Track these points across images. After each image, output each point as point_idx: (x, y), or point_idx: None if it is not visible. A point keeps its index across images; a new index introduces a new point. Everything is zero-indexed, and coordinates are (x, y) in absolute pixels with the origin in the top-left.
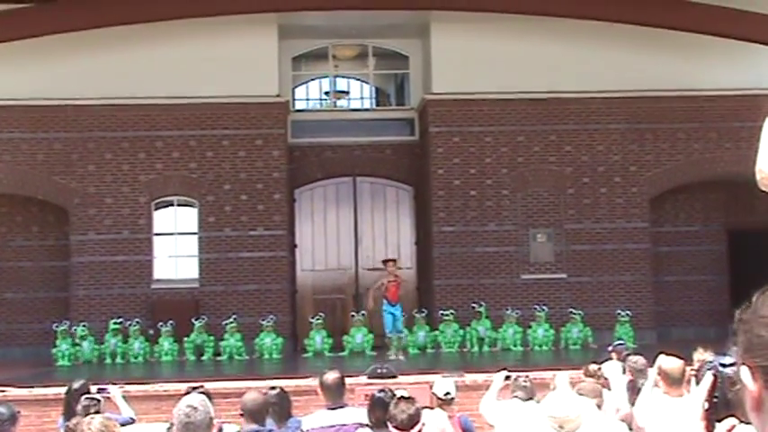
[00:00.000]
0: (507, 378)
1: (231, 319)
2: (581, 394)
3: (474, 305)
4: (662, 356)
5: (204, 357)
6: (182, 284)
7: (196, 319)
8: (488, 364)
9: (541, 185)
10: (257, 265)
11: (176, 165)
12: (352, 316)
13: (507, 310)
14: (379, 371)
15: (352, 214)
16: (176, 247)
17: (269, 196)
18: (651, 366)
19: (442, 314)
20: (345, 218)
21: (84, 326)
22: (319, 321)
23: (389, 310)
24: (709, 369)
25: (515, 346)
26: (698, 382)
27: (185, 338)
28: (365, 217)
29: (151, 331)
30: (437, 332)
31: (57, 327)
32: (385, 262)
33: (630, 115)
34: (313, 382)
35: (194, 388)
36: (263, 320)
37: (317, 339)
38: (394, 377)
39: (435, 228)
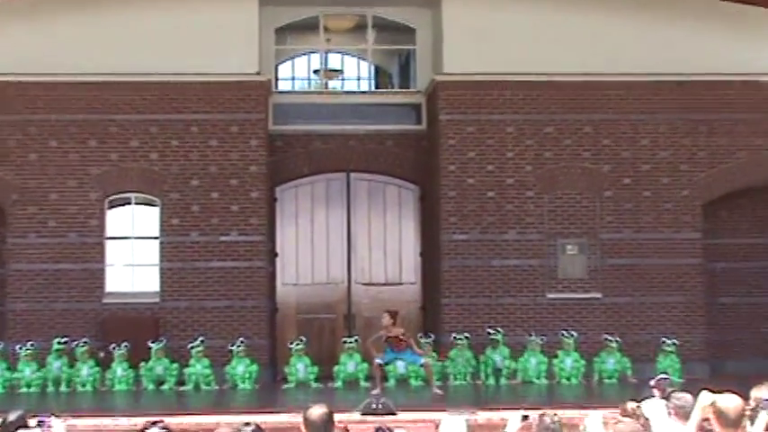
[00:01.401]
0: (526, 418)
1: (198, 342)
2: None
3: (490, 329)
4: (706, 393)
5: (165, 387)
6: (139, 299)
7: (156, 341)
8: (506, 400)
9: (573, 186)
10: (230, 278)
11: (134, 155)
12: (344, 341)
13: (530, 335)
14: (374, 406)
15: (344, 218)
16: (133, 254)
17: (245, 194)
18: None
19: (453, 340)
20: (337, 222)
21: (23, 347)
22: (303, 346)
23: (394, 356)
24: (764, 408)
25: (539, 378)
26: (752, 423)
27: (143, 364)
28: (361, 221)
29: (102, 354)
30: (446, 361)
31: None
32: (392, 315)
33: (682, 103)
34: (295, 419)
35: (153, 423)
36: (236, 344)
37: (301, 367)
38: (392, 414)
39: (445, 235)
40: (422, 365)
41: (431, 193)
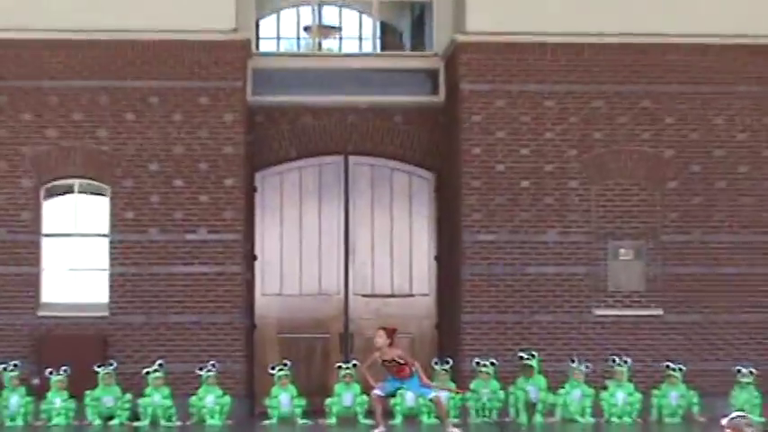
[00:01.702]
0: None
1: (156, 366)
2: None
3: (522, 354)
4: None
5: (114, 422)
6: (83, 312)
7: (103, 365)
8: None
9: (628, 175)
10: (197, 286)
11: (78, 131)
12: (339, 366)
13: (572, 361)
14: None
15: (341, 212)
16: (76, 256)
17: (217, 182)
18: None
19: (476, 367)
20: (332, 217)
21: None
22: (288, 372)
23: (398, 385)
24: None
25: (583, 416)
26: None
27: (87, 393)
28: (362, 217)
29: (36, 381)
30: (466, 394)
31: None
32: (388, 333)
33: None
34: None
35: None
36: (204, 369)
37: (284, 399)
38: None
39: (467, 235)
40: (431, 400)
41: (450, 183)
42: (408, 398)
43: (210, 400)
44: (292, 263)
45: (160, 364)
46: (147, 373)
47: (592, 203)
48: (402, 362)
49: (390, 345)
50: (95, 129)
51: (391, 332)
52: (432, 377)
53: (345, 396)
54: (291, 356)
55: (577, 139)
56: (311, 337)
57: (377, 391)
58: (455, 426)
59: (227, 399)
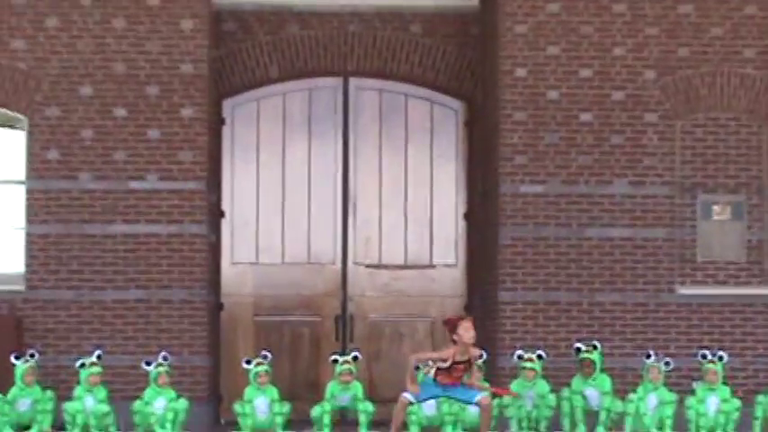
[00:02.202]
0: None
1: (91, 359)
2: None
3: (579, 346)
4: None
5: None
6: None
7: (19, 357)
8: None
9: (726, 107)
10: (144, 251)
11: None
12: (334, 360)
13: (647, 356)
14: None
15: (338, 153)
16: None
17: (171, 112)
18: None
19: (518, 361)
20: (326, 160)
21: None
22: (266, 368)
23: (438, 393)
24: None
25: (662, 429)
26: None
27: None
28: (366, 159)
29: None
30: (505, 397)
31: None
32: (452, 324)
33: None
34: None
35: None
36: (153, 363)
37: (261, 404)
38: None
39: (507, 186)
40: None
41: (484, 115)
42: (427, 406)
43: (161, 404)
44: (272, 221)
45: (98, 355)
46: (82, 366)
47: (676, 144)
48: (471, 357)
49: (474, 343)
50: (9, 40)
51: (461, 321)
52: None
53: (341, 399)
54: (271, 346)
55: (656, 58)
56: (298, 320)
57: (408, 396)
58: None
59: (184, 403)
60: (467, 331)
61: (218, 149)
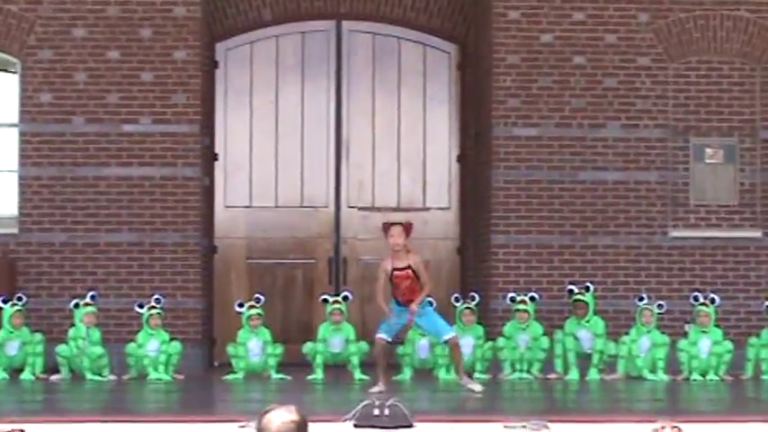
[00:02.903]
0: None
1: (86, 300)
2: None
3: (573, 288)
4: None
5: (25, 375)
6: None
7: (6, 301)
8: (599, 407)
9: (719, 50)
10: (137, 194)
11: None
12: (324, 300)
13: (640, 299)
14: (376, 413)
15: (331, 97)
16: None
17: (164, 55)
18: None
19: (511, 304)
20: (318, 103)
21: None
22: (260, 311)
23: (404, 322)
24: None
25: (654, 372)
26: None
27: None
28: (359, 103)
29: None
30: (499, 341)
31: None
32: (386, 227)
33: None
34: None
35: None
36: (145, 306)
37: (254, 346)
38: (407, 426)
39: (498, 129)
40: (446, 342)
41: (478, 58)
42: (421, 347)
43: (154, 347)
44: (266, 165)
45: (92, 296)
46: (72, 308)
47: (668, 87)
48: (416, 275)
49: (407, 248)
50: None
51: (408, 228)
52: (454, 319)
53: (333, 341)
54: (264, 289)
55: (650, 1)
56: (291, 263)
57: (382, 336)
58: (477, 383)
59: (177, 346)
60: (391, 237)
61: (211, 92)
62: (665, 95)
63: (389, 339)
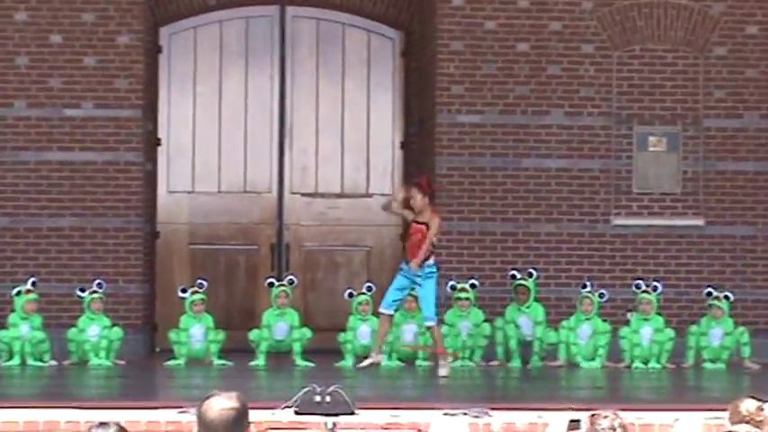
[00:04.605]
0: (576, 425)
1: (26, 286)
2: None
3: (516, 273)
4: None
5: None
6: None
7: None
8: (540, 395)
9: (662, 38)
10: (79, 179)
11: None
12: (270, 284)
13: (583, 287)
14: (317, 399)
15: (275, 83)
16: None
17: (107, 39)
18: None
19: (451, 291)
20: (262, 89)
21: None
22: (202, 296)
23: (406, 275)
24: None
25: (594, 359)
26: None
27: None
28: (302, 89)
29: None
30: (439, 328)
31: None
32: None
33: None
34: (185, 418)
35: None
36: (87, 291)
37: (197, 332)
38: (348, 413)
39: (443, 116)
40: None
41: (422, 44)
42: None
43: (95, 332)
44: (209, 150)
45: (33, 282)
46: (18, 294)
47: (612, 75)
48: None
49: (428, 206)
50: None
51: (423, 185)
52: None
53: (277, 327)
54: (207, 275)
55: None
56: (233, 248)
57: (385, 310)
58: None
59: (118, 331)
60: (416, 198)
61: (154, 77)
62: (609, 83)
63: (391, 313)
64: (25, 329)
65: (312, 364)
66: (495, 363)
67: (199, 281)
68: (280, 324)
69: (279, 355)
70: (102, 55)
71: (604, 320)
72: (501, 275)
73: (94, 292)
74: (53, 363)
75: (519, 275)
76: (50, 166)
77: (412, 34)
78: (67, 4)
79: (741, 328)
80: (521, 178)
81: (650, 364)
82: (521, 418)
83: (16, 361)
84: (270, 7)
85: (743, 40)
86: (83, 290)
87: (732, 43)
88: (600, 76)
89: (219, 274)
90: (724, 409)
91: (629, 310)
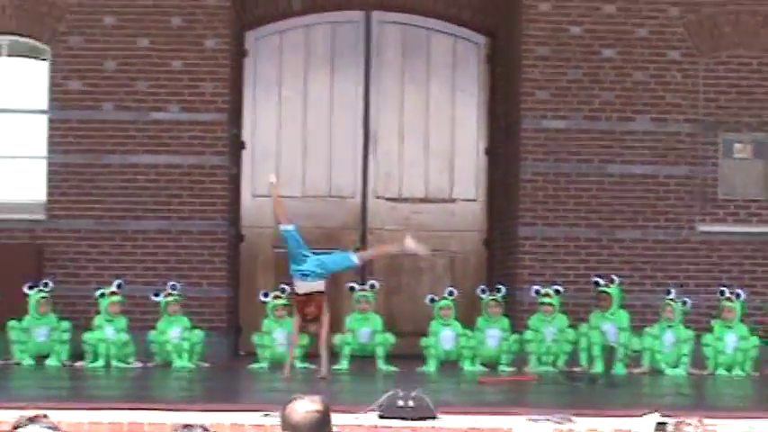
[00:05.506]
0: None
1: (111, 289)
2: None
3: (599, 280)
4: None
5: (51, 362)
6: (11, 214)
7: (33, 287)
8: (622, 401)
9: (750, 45)
10: (164, 182)
11: None
12: (351, 289)
13: (667, 293)
14: (400, 403)
15: (360, 87)
16: (2, 140)
17: (194, 43)
18: None
19: (536, 297)
20: (347, 94)
21: None
22: (285, 301)
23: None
24: None
25: (677, 366)
26: None
27: (12, 324)
28: (387, 94)
29: None
30: (524, 333)
31: None
32: None
33: None
34: (269, 421)
35: (31, 419)
36: (163, 293)
37: (280, 336)
38: (431, 418)
39: (528, 121)
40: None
41: (507, 50)
42: (446, 337)
43: (176, 334)
44: (293, 154)
45: (118, 284)
46: (102, 296)
47: (699, 81)
48: None
49: None
50: None
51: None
52: (481, 311)
53: (361, 331)
54: (290, 278)
55: None
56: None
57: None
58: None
59: (199, 334)
60: None
61: (240, 81)
62: (695, 90)
63: None
64: (110, 331)
65: (395, 369)
66: (578, 369)
67: (281, 286)
68: (363, 329)
69: (362, 360)
70: (188, 59)
71: (688, 327)
72: (585, 281)
73: (169, 294)
74: (138, 364)
75: (602, 282)
76: (136, 169)
77: (497, 39)
78: (155, 8)
79: None
80: (605, 184)
81: (734, 372)
82: (605, 423)
83: (101, 363)
84: (356, 12)
85: None
86: (157, 293)
87: None
88: (686, 83)
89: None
90: None
91: (713, 318)
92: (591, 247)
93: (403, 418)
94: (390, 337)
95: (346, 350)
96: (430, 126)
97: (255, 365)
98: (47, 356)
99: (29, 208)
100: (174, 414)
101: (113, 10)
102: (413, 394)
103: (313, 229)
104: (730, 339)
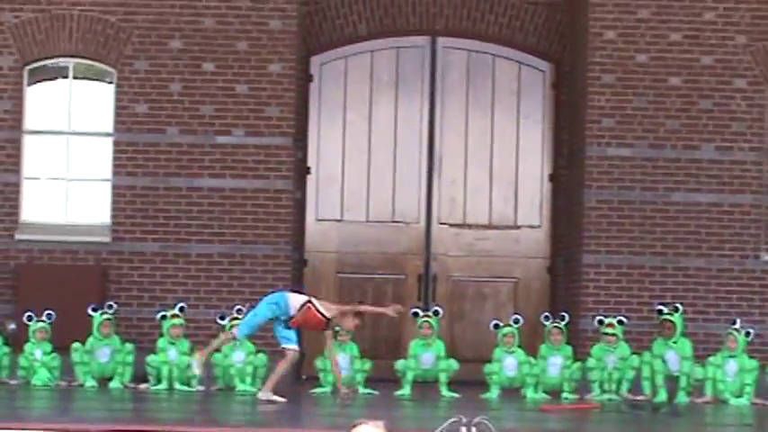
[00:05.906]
0: None
1: (173, 311)
2: None
3: (662, 308)
4: None
5: (114, 384)
6: (76, 236)
7: (100, 308)
8: (685, 429)
9: None
10: (229, 206)
11: None
12: (415, 314)
13: (732, 323)
14: (463, 430)
15: (425, 113)
16: (69, 163)
17: (259, 67)
18: None
19: (599, 326)
20: (412, 118)
21: None
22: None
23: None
24: None
25: (740, 396)
26: None
27: (76, 345)
28: (452, 120)
29: (13, 326)
30: (586, 361)
31: None
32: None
33: None
34: None
35: None
36: (227, 317)
37: (343, 361)
38: None
39: (592, 148)
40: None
41: (572, 77)
42: (509, 365)
43: (239, 358)
44: (358, 179)
45: (180, 308)
46: (163, 318)
47: (764, 110)
48: None
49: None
50: None
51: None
52: (542, 338)
53: (424, 357)
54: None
55: (747, 22)
56: (381, 278)
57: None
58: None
59: (262, 357)
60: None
61: (305, 106)
62: (761, 118)
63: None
64: (173, 354)
65: (457, 395)
66: (640, 398)
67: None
68: (426, 354)
69: (424, 385)
70: (253, 83)
71: (751, 357)
72: (649, 309)
73: (235, 318)
74: (200, 388)
75: (665, 310)
76: (201, 192)
77: (562, 66)
78: (221, 32)
79: None
80: (670, 212)
81: None
82: None
83: (164, 385)
84: (421, 38)
85: None
86: (222, 317)
87: None
88: (752, 111)
89: (368, 302)
90: None
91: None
92: (655, 276)
93: None
94: (453, 363)
95: (409, 376)
96: (494, 152)
97: (317, 390)
98: (110, 378)
99: (94, 230)
100: None
101: (180, 34)
102: (475, 421)
103: (377, 255)
104: None
